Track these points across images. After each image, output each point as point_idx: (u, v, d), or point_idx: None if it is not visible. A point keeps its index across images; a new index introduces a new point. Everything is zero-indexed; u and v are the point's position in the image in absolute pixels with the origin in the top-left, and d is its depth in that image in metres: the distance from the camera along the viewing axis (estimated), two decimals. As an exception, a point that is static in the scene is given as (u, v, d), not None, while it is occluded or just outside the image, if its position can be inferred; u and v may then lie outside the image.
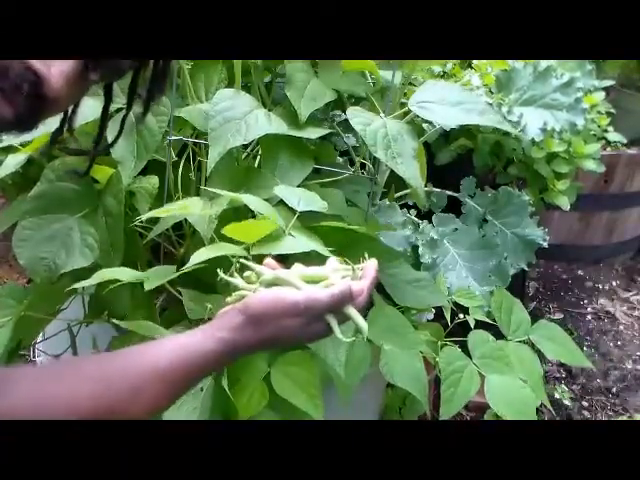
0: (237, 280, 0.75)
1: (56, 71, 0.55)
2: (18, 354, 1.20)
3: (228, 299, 0.73)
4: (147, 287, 0.85)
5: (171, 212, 0.89)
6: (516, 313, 1.24)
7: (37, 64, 0.54)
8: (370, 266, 0.76)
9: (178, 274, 0.88)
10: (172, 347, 0.65)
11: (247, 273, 0.75)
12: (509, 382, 1.10)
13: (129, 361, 0.64)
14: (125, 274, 0.90)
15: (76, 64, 0.57)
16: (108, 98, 0.74)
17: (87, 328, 1.19)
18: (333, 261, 0.79)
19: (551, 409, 1.27)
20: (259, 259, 0.86)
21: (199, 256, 0.81)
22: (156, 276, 0.89)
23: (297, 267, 0.76)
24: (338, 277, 0.74)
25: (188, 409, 0.90)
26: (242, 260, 0.78)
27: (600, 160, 1.79)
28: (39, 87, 0.55)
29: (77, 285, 0.91)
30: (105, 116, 0.78)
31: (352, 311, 0.71)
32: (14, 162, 1.07)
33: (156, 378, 0.63)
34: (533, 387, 1.14)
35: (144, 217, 0.92)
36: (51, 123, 0.72)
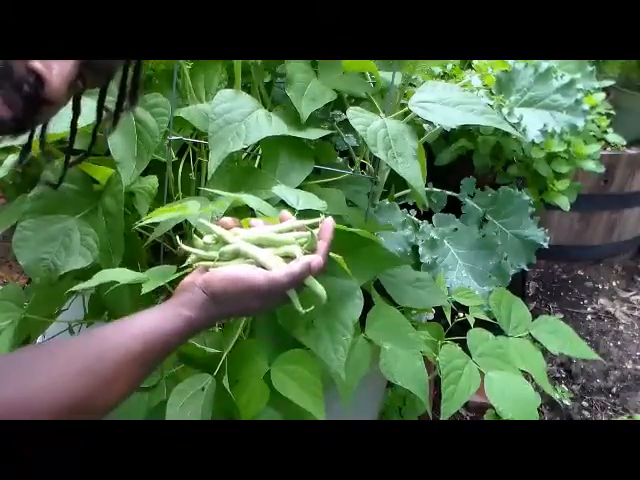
0: (197, 250, 0.76)
1: (57, 73, 0.55)
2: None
3: (188, 260, 0.76)
4: (145, 289, 0.85)
5: (170, 215, 0.89)
6: (516, 310, 1.23)
7: (39, 66, 0.54)
8: (326, 227, 0.77)
9: (178, 275, 0.88)
10: (142, 329, 0.66)
11: (207, 238, 0.76)
12: (509, 379, 1.10)
13: (103, 348, 0.64)
14: (124, 275, 0.89)
15: (74, 67, 0.57)
16: (77, 110, 0.74)
17: (88, 328, 1.19)
18: (287, 215, 0.80)
19: (559, 402, 1.27)
20: None
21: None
22: (155, 277, 0.89)
23: (255, 224, 0.79)
24: (296, 247, 0.75)
25: (191, 410, 0.90)
26: (202, 221, 0.79)
27: (600, 160, 1.80)
28: (40, 89, 0.55)
29: (77, 287, 0.90)
30: (74, 128, 0.78)
31: (310, 280, 0.73)
32: (14, 162, 1.07)
33: (132, 363, 0.64)
34: (538, 380, 1.14)
35: (144, 222, 0.92)
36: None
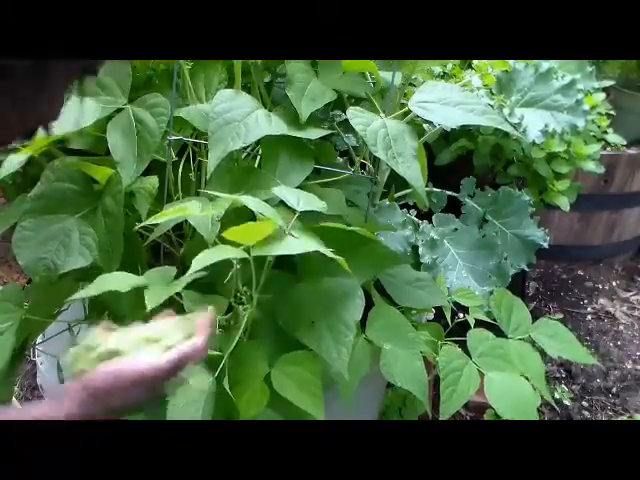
0: (76, 349, 0.76)
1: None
2: (23, 355, 1.20)
3: (70, 367, 0.76)
4: (149, 305, 0.85)
5: (171, 216, 0.89)
6: (516, 311, 1.23)
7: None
8: (203, 321, 0.78)
9: (180, 286, 0.88)
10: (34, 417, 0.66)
11: (87, 341, 0.76)
12: (509, 379, 1.09)
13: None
14: (124, 282, 0.89)
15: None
16: None
17: (88, 329, 1.19)
18: (167, 315, 0.81)
19: (555, 406, 1.27)
20: (257, 261, 0.86)
21: (200, 262, 0.81)
22: (155, 281, 0.89)
23: (134, 328, 0.79)
24: (175, 336, 0.75)
25: (192, 411, 0.90)
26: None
27: (600, 161, 1.79)
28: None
29: (77, 296, 0.90)
30: None
31: (189, 371, 0.74)
32: (14, 162, 1.07)
33: None
34: (536, 385, 1.14)
35: (144, 224, 0.92)
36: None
